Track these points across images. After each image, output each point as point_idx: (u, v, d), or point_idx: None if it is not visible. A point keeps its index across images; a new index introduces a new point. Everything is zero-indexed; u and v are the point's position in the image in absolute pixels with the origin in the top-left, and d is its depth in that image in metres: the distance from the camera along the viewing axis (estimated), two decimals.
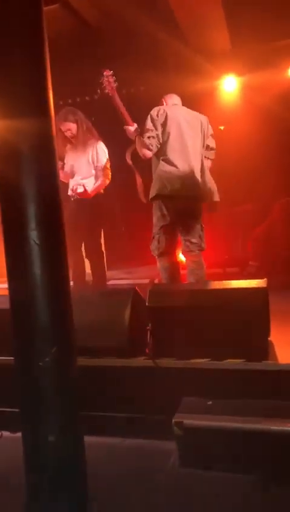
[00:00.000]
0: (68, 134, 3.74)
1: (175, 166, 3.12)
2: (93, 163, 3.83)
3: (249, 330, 1.94)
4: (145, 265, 4.85)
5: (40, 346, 1.01)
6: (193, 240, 3.24)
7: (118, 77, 3.36)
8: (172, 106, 3.34)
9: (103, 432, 1.99)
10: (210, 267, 4.45)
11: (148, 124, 3.14)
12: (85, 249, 3.87)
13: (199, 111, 3.43)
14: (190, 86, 4.34)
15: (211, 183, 3.30)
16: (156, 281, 3.84)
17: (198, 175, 3.20)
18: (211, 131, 3.40)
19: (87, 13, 4.82)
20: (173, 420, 1.72)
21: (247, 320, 1.95)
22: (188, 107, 3.41)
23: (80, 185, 3.74)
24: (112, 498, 1.59)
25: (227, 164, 5.53)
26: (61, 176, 3.67)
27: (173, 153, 3.13)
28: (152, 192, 3.21)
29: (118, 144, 3.65)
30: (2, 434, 2.09)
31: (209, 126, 3.39)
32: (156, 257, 3.30)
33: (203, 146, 3.34)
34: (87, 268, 3.93)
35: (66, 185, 3.80)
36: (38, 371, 1.01)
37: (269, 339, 2.07)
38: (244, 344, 1.94)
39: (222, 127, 5.35)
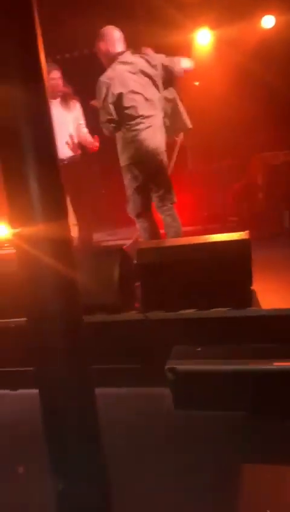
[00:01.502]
0: (53, 83, 3.57)
1: (137, 133, 3.14)
2: (78, 122, 3.78)
3: (233, 280, 2.05)
4: (128, 227, 4.90)
5: (49, 309, 1.08)
6: (165, 195, 3.31)
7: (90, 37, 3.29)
8: (116, 66, 3.16)
9: (101, 384, 2.11)
10: (190, 224, 4.53)
11: (100, 105, 3.14)
12: (75, 212, 3.82)
13: None
14: (163, 40, 4.24)
15: (180, 116, 3.30)
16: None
17: (160, 130, 3.21)
18: (163, 59, 3.23)
19: None
20: (166, 367, 1.84)
21: (231, 270, 2.05)
22: None
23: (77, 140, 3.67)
24: (118, 438, 1.73)
25: (205, 120, 5.51)
26: None
27: (131, 120, 3.13)
28: (122, 161, 3.25)
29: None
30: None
31: (161, 56, 3.25)
32: (134, 218, 3.36)
33: (162, 86, 3.24)
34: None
35: None
36: (48, 333, 1.08)
37: (251, 287, 2.18)
38: (229, 293, 2.05)
39: (197, 83, 5.30)
